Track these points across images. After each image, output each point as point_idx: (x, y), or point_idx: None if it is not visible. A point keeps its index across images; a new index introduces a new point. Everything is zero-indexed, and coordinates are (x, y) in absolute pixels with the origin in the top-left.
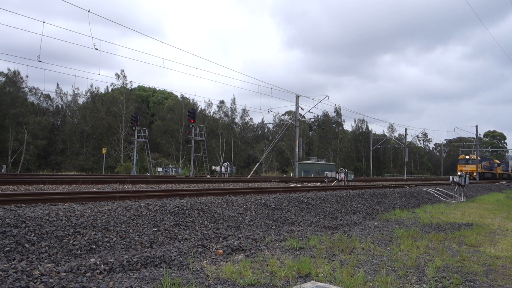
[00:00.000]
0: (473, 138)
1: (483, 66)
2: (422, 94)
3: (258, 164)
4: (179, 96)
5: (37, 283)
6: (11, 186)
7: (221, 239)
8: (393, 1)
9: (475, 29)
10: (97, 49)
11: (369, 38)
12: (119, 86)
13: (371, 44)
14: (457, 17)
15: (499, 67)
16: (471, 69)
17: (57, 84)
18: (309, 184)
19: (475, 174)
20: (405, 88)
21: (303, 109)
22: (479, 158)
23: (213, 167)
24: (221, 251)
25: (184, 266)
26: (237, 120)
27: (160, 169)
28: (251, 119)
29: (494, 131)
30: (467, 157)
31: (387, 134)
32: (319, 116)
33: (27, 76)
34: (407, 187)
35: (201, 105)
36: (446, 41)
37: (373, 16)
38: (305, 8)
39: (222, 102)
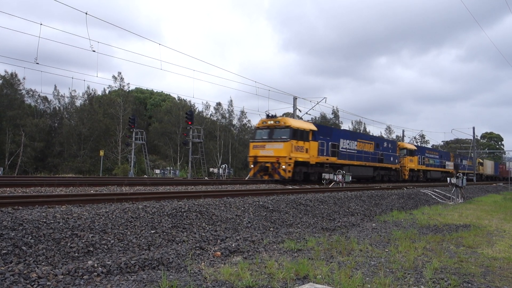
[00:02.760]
0: (470, 139)
1: (477, 68)
2: (418, 96)
3: None
4: (176, 98)
5: (35, 286)
6: (8, 189)
7: (219, 241)
8: (387, 4)
9: (468, 32)
10: (94, 51)
11: (364, 40)
12: (117, 88)
13: (367, 47)
14: (450, 20)
15: (493, 69)
16: (465, 72)
17: (55, 86)
18: (307, 186)
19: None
20: (401, 90)
21: (300, 111)
22: (415, 147)
23: (210, 169)
24: (219, 253)
25: (182, 268)
26: (234, 122)
27: (157, 171)
28: (249, 121)
29: (491, 133)
30: (270, 122)
31: (385, 136)
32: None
33: (24, 78)
34: (405, 189)
35: (199, 107)
36: (440, 44)
37: (368, 19)
38: (300, 11)
39: (219, 104)
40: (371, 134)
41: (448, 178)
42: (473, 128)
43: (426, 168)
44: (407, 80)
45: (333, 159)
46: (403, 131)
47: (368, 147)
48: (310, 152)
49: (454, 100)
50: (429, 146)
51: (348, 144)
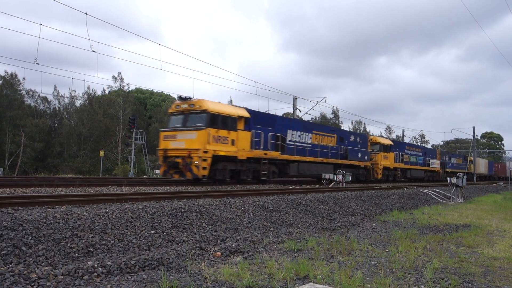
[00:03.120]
0: (470, 139)
1: (477, 68)
2: (417, 96)
3: None
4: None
5: (35, 286)
6: (8, 189)
7: (219, 241)
8: (387, 4)
9: (468, 32)
10: (94, 51)
11: (364, 40)
12: (117, 89)
13: (367, 47)
14: (450, 20)
15: (493, 69)
16: (465, 72)
17: (55, 87)
18: (307, 186)
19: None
20: (401, 90)
21: (300, 111)
22: (390, 142)
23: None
24: (219, 253)
25: (182, 269)
26: None
27: (157, 171)
28: None
29: (491, 133)
30: (184, 106)
31: (385, 136)
32: (317, 118)
33: (24, 79)
34: (405, 189)
35: None
36: (440, 44)
37: (368, 19)
38: (300, 11)
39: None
40: (371, 134)
41: (448, 178)
42: (473, 128)
43: (405, 167)
44: (407, 80)
45: (274, 154)
46: (403, 131)
47: (328, 140)
48: (238, 144)
49: (454, 100)
50: (429, 146)
51: (300, 136)
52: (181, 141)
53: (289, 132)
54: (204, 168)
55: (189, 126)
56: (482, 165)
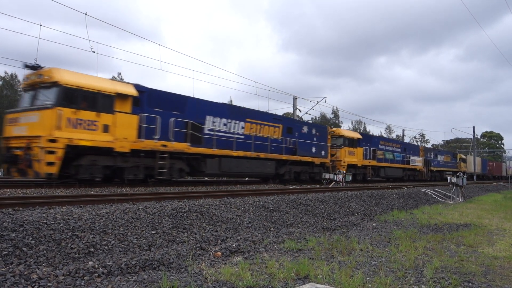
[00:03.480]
0: (470, 139)
1: (476, 68)
2: (417, 96)
3: None
4: None
5: (35, 286)
6: (8, 190)
7: (219, 241)
8: (386, 4)
9: (467, 32)
10: (94, 52)
11: (364, 40)
12: None
13: (366, 46)
14: (449, 20)
15: (492, 69)
16: (464, 71)
17: None
18: (307, 186)
19: None
20: (400, 90)
21: (300, 111)
22: (359, 135)
23: None
24: (219, 253)
25: (183, 269)
26: None
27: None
28: None
29: (491, 132)
30: (33, 77)
31: (385, 135)
32: (317, 118)
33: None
34: (405, 188)
35: None
36: (439, 44)
37: (367, 19)
38: (299, 11)
39: None
40: (371, 134)
41: (448, 178)
42: (473, 127)
43: (378, 164)
44: (406, 79)
45: (179, 146)
46: (403, 130)
47: (270, 131)
48: (116, 132)
49: (454, 99)
50: (429, 146)
51: (226, 125)
52: (23, 126)
53: (209, 118)
54: (50, 164)
55: (35, 105)
56: (473, 164)
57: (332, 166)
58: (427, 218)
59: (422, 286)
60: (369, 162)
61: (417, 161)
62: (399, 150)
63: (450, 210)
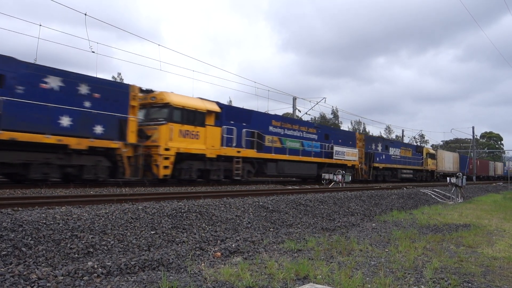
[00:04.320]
0: (470, 139)
1: (475, 68)
2: (416, 96)
3: None
4: None
5: (35, 287)
6: (7, 190)
7: (219, 241)
8: (385, 4)
9: (466, 32)
10: (94, 52)
11: (363, 40)
12: None
13: (365, 47)
14: (448, 21)
15: (491, 69)
16: (463, 71)
17: None
18: (307, 186)
19: None
20: (400, 90)
21: (300, 111)
22: (215, 107)
23: None
24: (219, 253)
25: (182, 269)
26: None
27: None
28: None
29: (490, 132)
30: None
31: (385, 136)
32: (317, 118)
33: None
34: (405, 189)
35: None
36: (438, 44)
37: (366, 19)
38: (299, 11)
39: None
40: (370, 134)
41: (448, 178)
42: (473, 128)
43: (263, 156)
44: (405, 80)
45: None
46: (403, 130)
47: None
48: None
49: (453, 99)
50: (428, 145)
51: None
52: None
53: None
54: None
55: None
56: (449, 161)
57: (136, 156)
58: (426, 218)
59: (422, 286)
60: (239, 152)
61: (349, 154)
62: (314, 136)
63: (449, 210)
